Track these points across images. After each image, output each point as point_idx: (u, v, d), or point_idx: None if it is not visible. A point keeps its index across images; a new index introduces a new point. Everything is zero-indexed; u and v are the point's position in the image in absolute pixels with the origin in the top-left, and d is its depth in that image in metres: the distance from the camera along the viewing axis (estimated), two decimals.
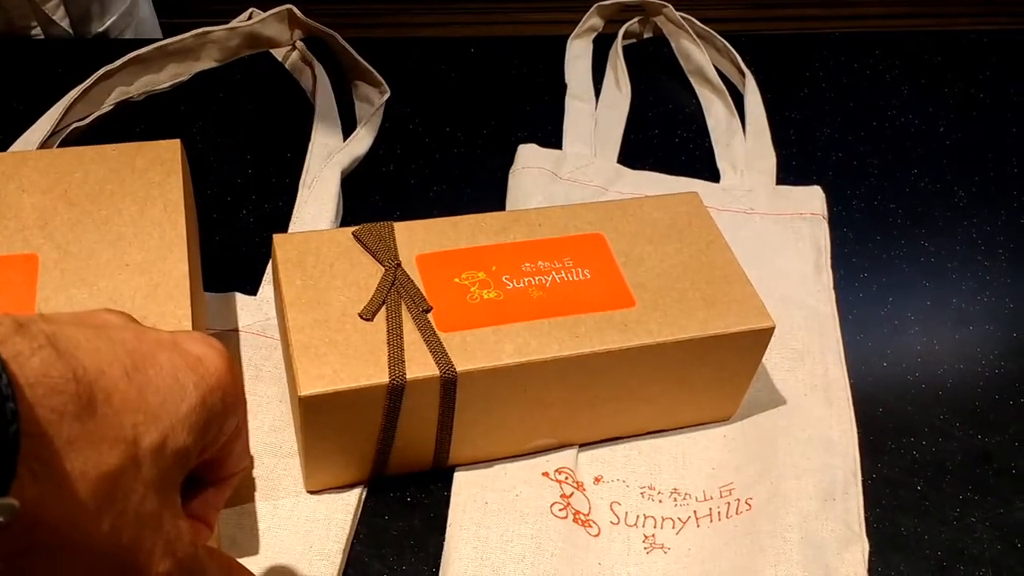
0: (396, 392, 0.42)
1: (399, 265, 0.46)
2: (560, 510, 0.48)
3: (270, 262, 0.50)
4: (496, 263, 0.48)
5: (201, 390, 0.28)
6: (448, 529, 0.47)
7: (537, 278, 0.47)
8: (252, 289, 0.55)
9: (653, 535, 0.48)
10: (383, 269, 0.46)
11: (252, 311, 0.53)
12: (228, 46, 0.70)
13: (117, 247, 0.43)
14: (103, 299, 0.41)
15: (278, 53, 0.72)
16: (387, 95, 0.66)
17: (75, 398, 0.23)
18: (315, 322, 0.43)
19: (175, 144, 0.48)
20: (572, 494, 0.49)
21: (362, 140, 0.64)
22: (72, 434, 0.23)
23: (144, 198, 0.46)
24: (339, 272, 0.46)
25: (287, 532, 0.45)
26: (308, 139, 0.64)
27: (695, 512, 0.49)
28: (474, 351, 0.43)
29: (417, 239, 0.48)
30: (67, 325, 0.25)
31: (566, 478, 0.49)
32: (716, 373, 0.49)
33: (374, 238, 0.47)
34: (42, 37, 0.76)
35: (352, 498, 0.47)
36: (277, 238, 0.47)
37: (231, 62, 0.70)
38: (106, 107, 0.65)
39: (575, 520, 0.48)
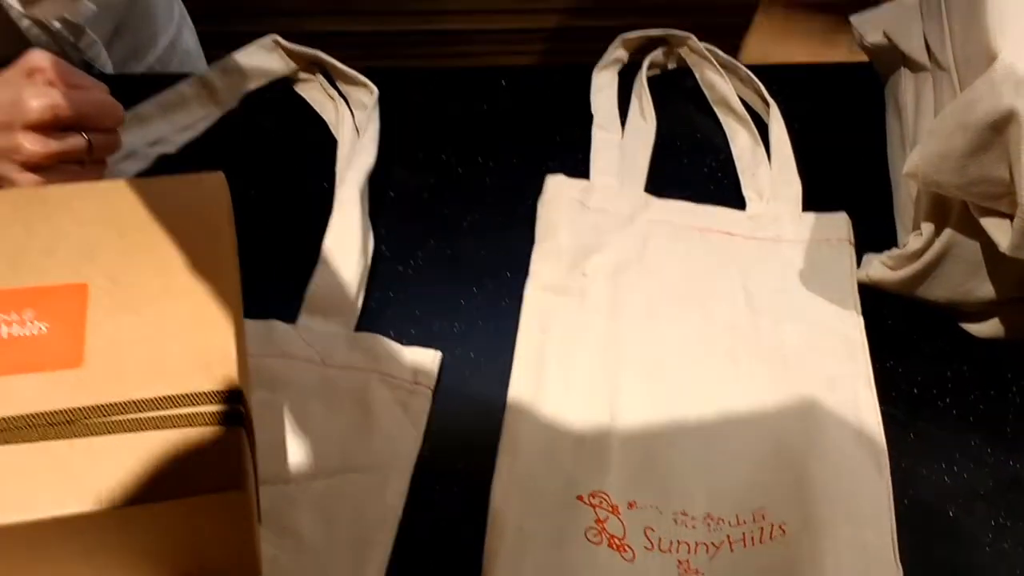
0: None
1: None
2: (595, 535, 0.49)
3: None
4: None
5: None
6: (484, 555, 0.48)
7: None
8: (291, 316, 0.56)
9: (687, 560, 0.49)
10: None
11: (293, 338, 0.54)
12: (227, 86, 0.70)
13: (164, 276, 0.45)
14: (150, 326, 0.42)
15: (300, 88, 0.73)
16: (376, 93, 0.68)
17: None
18: None
19: (219, 176, 0.49)
20: (607, 519, 0.49)
21: (367, 149, 0.65)
22: None
23: (190, 229, 0.47)
24: None
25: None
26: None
27: (728, 537, 0.50)
28: None
29: None
30: None
31: (600, 502, 0.50)
32: None
33: None
34: None
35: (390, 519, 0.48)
36: None
37: (254, 95, 0.72)
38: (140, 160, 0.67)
39: (610, 545, 0.48)
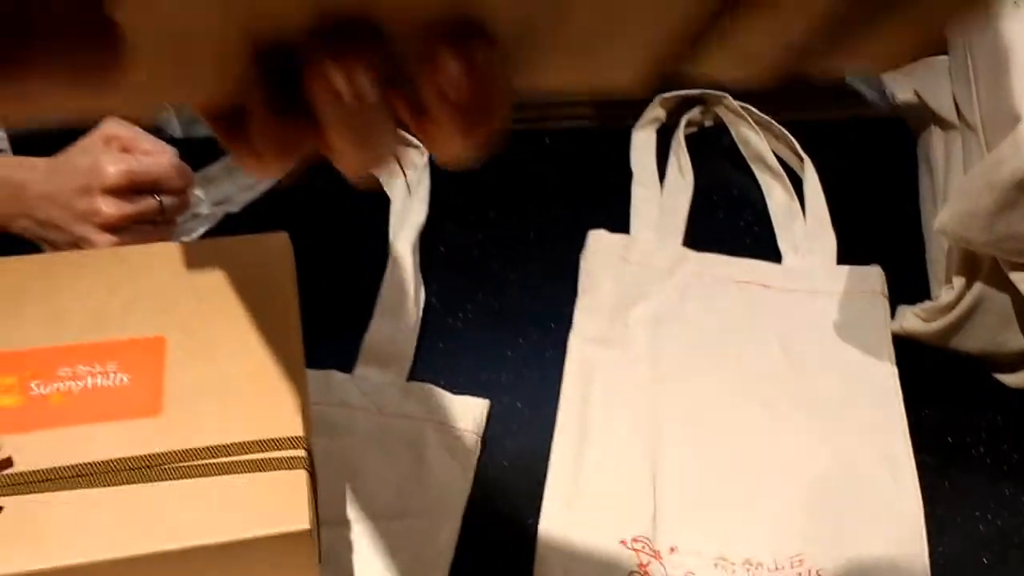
0: None
1: None
2: None
3: None
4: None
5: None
6: None
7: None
8: (348, 366, 0.59)
9: None
10: None
11: (350, 388, 0.57)
12: None
13: (234, 330, 0.48)
14: (223, 377, 0.45)
15: None
16: (427, 154, 0.71)
17: None
18: None
19: (283, 237, 0.53)
20: (649, 563, 0.51)
21: (418, 208, 0.69)
22: None
23: (257, 286, 0.50)
24: None
25: None
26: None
27: None
28: None
29: None
30: None
31: (643, 547, 0.52)
32: None
33: None
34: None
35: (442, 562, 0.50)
36: None
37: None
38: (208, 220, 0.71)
39: None
